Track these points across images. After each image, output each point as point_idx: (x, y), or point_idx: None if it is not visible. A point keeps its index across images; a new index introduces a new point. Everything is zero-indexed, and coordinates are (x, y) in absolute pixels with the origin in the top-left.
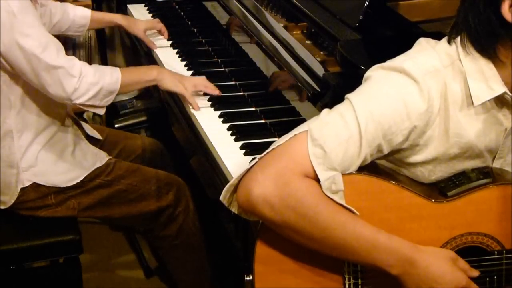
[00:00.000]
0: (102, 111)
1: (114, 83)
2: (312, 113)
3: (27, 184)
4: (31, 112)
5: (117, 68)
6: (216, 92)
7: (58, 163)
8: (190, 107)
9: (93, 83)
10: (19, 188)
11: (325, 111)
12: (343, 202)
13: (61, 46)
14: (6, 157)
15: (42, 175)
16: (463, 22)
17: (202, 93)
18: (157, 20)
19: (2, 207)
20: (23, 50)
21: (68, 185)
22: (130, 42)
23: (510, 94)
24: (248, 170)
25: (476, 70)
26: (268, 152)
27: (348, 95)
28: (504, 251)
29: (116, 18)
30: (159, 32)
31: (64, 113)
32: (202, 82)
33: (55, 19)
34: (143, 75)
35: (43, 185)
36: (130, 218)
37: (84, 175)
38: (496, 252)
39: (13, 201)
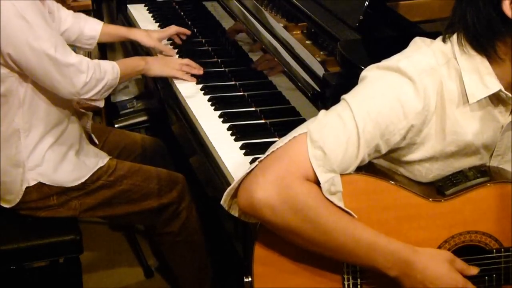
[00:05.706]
0: (101, 104)
1: (115, 78)
2: (312, 113)
3: (32, 183)
4: (39, 111)
5: (115, 63)
6: (200, 71)
7: (63, 162)
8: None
9: (100, 79)
10: (23, 187)
11: (323, 112)
12: (341, 204)
13: (66, 44)
14: (13, 156)
15: (47, 174)
16: (460, 20)
17: (201, 92)
18: (171, 26)
19: (7, 206)
20: (35, 52)
21: (72, 185)
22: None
23: (505, 91)
24: (248, 173)
25: (471, 68)
26: (268, 155)
27: (344, 96)
28: (502, 249)
29: (130, 33)
30: (178, 35)
31: (72, 111)
32: (185, 61)
33: (64, 27)
34: (133, 67)
35: (46, 186)
36: (132, 217)
37: (88, 175)
38: (494, 250)
39: (18, 200)
